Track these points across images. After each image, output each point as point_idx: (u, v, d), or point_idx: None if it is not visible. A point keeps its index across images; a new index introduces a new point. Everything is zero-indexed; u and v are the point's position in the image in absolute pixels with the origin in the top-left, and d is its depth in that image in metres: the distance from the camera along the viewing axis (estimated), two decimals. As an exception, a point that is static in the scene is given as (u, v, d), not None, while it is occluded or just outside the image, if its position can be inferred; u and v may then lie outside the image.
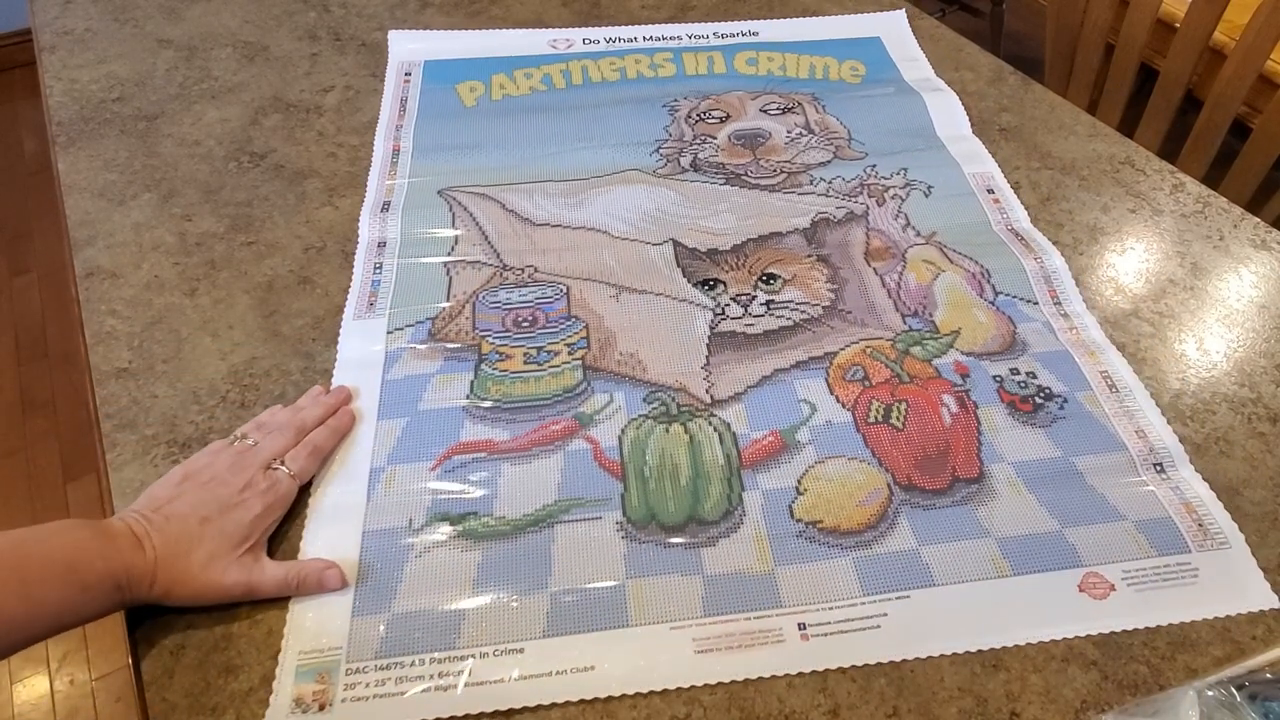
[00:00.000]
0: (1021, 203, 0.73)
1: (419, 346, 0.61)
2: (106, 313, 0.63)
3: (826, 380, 0.59)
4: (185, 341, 0.62)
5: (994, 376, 0.59)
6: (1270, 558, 0.51)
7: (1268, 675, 0.45)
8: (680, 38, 0.90)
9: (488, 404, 0.57)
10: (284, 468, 0.52)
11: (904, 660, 0.46)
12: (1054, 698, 0.45)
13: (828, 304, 0.64)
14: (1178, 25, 1.01)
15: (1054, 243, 0.69)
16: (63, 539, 0.43)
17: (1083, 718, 0.44)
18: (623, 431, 0.56)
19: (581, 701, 0.45)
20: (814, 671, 0.46)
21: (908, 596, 0.48)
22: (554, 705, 0.44)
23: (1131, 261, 0.69)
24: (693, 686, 0.45)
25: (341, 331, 0.62)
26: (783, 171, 0.75)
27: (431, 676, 0.45)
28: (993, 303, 0.64)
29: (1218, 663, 0.46)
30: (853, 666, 0.46)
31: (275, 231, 0.70)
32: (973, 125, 0.81)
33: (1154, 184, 0.75)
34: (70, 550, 0.43)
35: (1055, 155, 0.78)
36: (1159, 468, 0.54)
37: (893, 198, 0.73)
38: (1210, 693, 0.43)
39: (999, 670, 0.46)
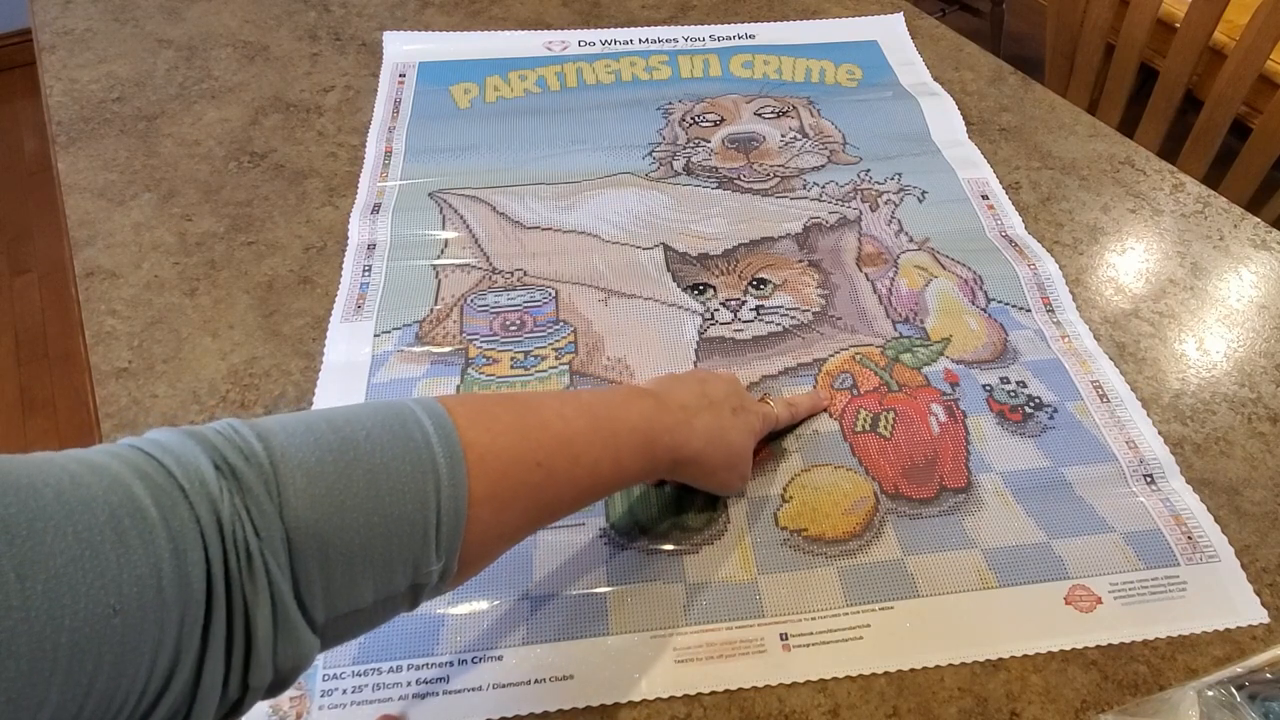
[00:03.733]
0: (1022, 202, 0.73)
1: (406, 350, 0.61)
2: (106, 313, 0.64)
3: (815, 387, 0.59)
4: (185, 341, 0.62)
5: (984, 385, 0.59)
6: (1270, 558, 0.50)
7: (1268, 675, 0.44)
8: (676, 40, 0.90)
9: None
10: (771, 405, 0.54)
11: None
12: (1054, 698, 0.45)
13: (818, 310, 0.63)
14: (1178, 25, 1.00)
15: (1054, 243, 0.69)
16: (637, 408, 0.44)
17: (1083, 718, 0.44)
18: (608, 437, 0.55)
19: (560, 712, 0.44)
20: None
21: (891, 608, 0.48)
22: (531, 715, 0.44)
23: (1131, 261, 0.68)
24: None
25: (329, 334, 0.62)
26: (776, 176, 0.74)
27: (410, 684, 0.45)
28: (985, 310, 0.64)
29: (1218, 663, 0.46)
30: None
31: (275, 231, 0.70)
32: (973, 125, 0.80)
33: (1154, 184, 0.75)
34: (645, 423, 0.43)
35: (1055, 155, 0.78)
36: (1149, 479, 0.54)
37: (886, 203, 0.72)
38: (1210, 693, 0.43)
39: (999, 670, 0.46)
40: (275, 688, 0.32)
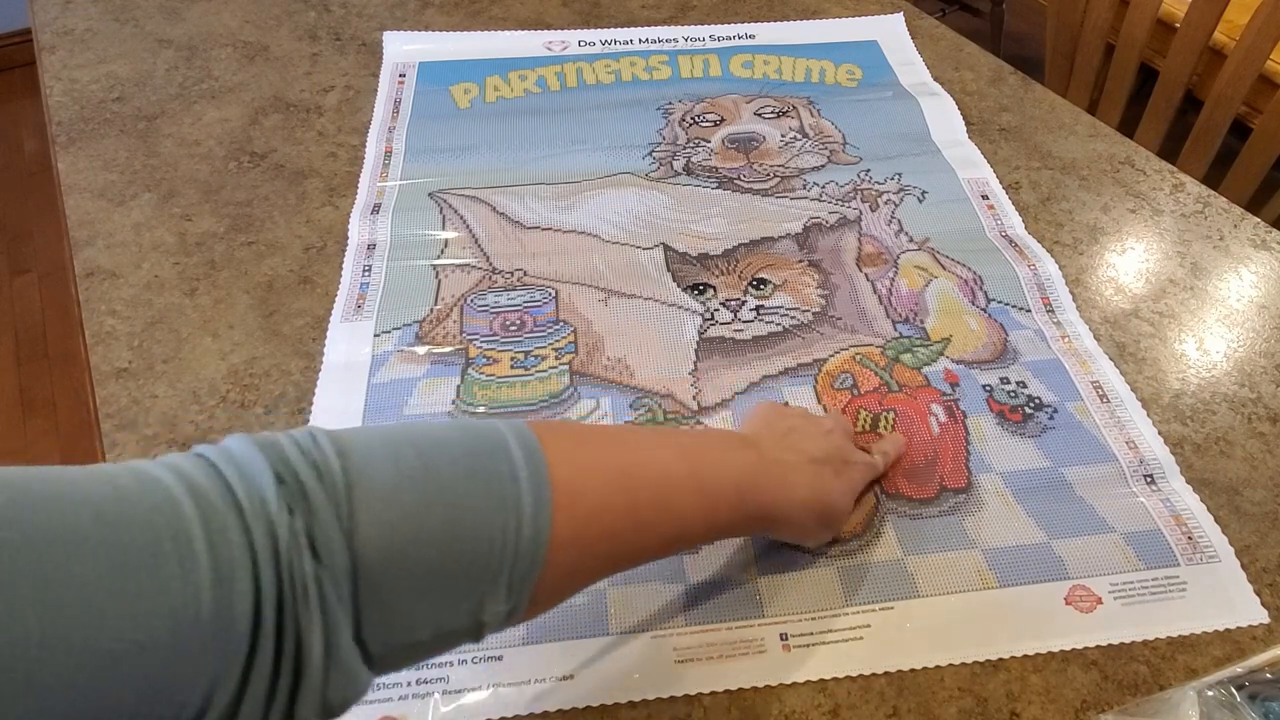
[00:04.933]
0: (1022, 202, 0.73)
1: (406, 350, 0.61)
2: (106, 313, 0.63)
3: (815, 387, 0.59)
4: (185, 341, 0.62)
5: (984, 385, 0.59)
6: (1270, 558, 0.50)
7: (1268, 675, 0.44)
8: (676, 40, 0.90)
9: (473, 410, 0.57)
10: (871, 458, 0.51)
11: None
12: (1054, 698, 0.45)
13: (818, 310, 0.63)
14: (1178, 25, 1.00)
15: (1054, 243, 0.69)
16: (737, 460, 0.42)
17: (1083, 718, 0.44)
18: (608, 437, 0.55)
19: (560, 712, 0.44)
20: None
21: (891, 608, 0.48)
22: (531, 715, 0.44)
23: (1131, 261, 0.68)
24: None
25: (329, 334, 0.62)
26: (776, 176, 0.74)
27: (410, 684, 0.45)
28: (985, 310, 0.64)
29: (1218, 663, 0.46)
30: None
31: (275, 231, 0.70)
32: (973, 125, 0.80)
33: (1154, 184, 0.75)
34: (741, 478, 0.42)
35: (1055, 155, 0.78)
36: (1149, 479, 0.54)
37: (886, 203, 0.72)
38: (1210, 693, 0.43)
39: (999, 670, 0.46)
40: (322, 717, 0.30)
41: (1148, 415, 0.57)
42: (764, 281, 0.65)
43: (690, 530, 0.40)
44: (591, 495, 0.35)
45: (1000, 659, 0.46)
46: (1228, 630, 0.47)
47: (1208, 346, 0.62)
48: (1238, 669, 0.45)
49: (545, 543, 0.33)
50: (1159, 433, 0.56)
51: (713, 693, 0.45)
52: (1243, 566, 0.50)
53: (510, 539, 0.32)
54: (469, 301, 0.64)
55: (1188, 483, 0.54)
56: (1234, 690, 0.43)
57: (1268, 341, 0.62)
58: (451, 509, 0.31)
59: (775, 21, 0.93)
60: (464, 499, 0.32)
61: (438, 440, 0.33)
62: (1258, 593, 0.49)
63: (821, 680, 0.45)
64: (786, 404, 0.55)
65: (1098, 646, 0.47)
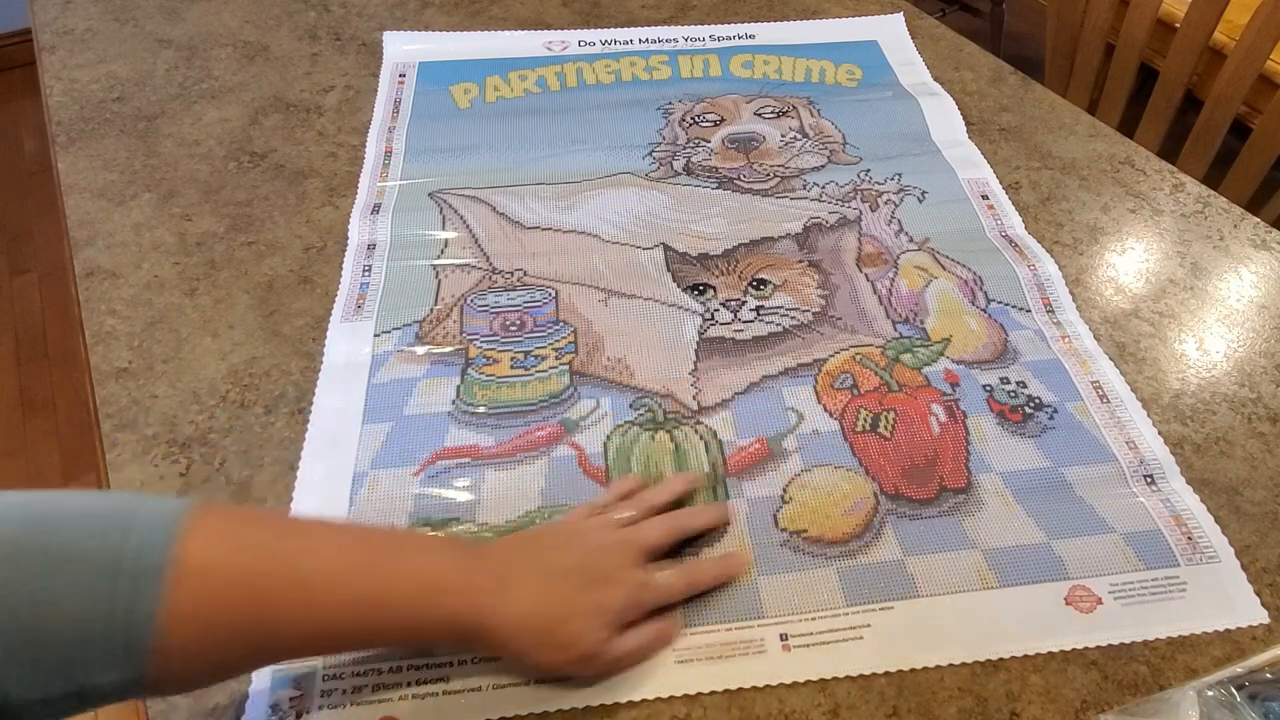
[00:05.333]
0: (1022, 202, 0.73)
1: (406, 350, 0.61)
2: (106, 313, 0.63)
3: (815, 388, 0.59)
4: (185, 341, 0.62)
5: (984, 385, 0.59)
6: (1270, 558, 0.50)
7: (1268, 675, 0.45)
8: (676, 40, 0.90)
9: (473, 409, 0.57)
10: (660, 576, 0.46)
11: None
12: (1054, 698, 0.45)
13: (818, 310, 0.63)
14: (1178, 25, 1.00)
15: (1054, 243, 0.69)
16: (429, 559, 0.40)
17: (1083, 718, 0.44)
18: (608, 438, 0.55)
19: (559, 711, 0.44)
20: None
21: (891, 608, 0.48)
22: (531, 715, 0.44)
23: (1131, 261, 0.68)
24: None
25: (329, 334, 0.62)
26: (776, 176, 0.74)
27: (409, 684, 0.45)
28: (985, 310, 0.64)
29: (1218, 663, 0.46)
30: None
31: (275, 231, 0.70)
32: (973, 125, 0.80)
33: (1154, 184, 0.75)
34: (431, 576, 0.40)
35: (1055, 155, 0.78)
36: (1149, 479, 0.54)
37: (886, 203, 0.72)
38: (1210, 693, 0.43)
39: (999, 670, 0.46)
40: None
41: (1148, 415, 0.57)
42: (764, 282, 0.65)
43: (339, 629, 0.38)
44: (223, 574, 0.34)
45: (1000, 659, 0.46)
46: (1228, 630, 0.47)
47: (1208, 346, 0.62)
48: (1238, 669, 0.45)
49: (150, 613, 0.32)
50: (1159, 432, 0.56)
51: (712, 693, 0.45)
52: (1243, 566, 0.50)
53: (103, 607, 0.31)
54: (469, 301, 0.64)
55: (1188, 483, 0.54)
56: (1234, 690, 0.43)
57: (1268, 341, 0.63)
58: (47, 570, 0.31)
59: (775, 21, 0.93)
60: (62, 563, 0.31)
61: (60, 504, 0.33)
62: (1258, 593, 0.49)
63: (822, 680, 0.45)
64: (597, 509, 0.49)
65: (1098, 646, 0.47)
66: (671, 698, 0.45)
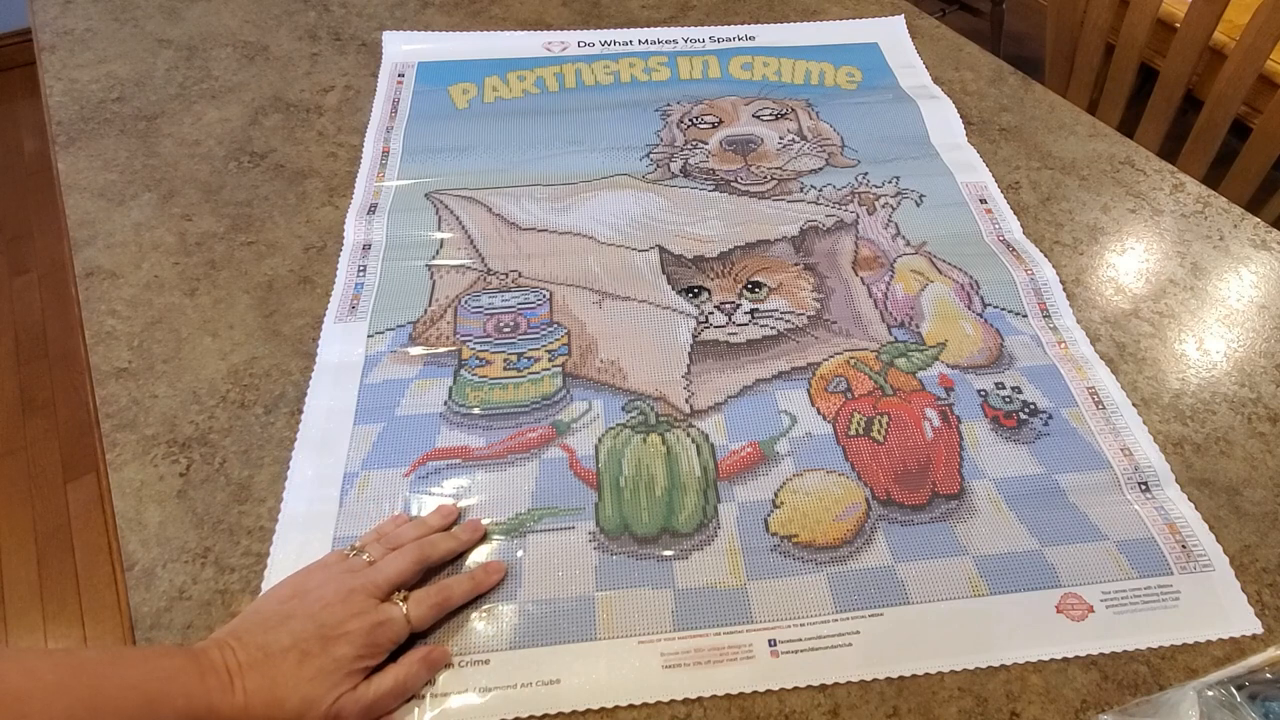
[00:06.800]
0: (1021, 202, 0.72)
1: (399, 350, 0.61)
2: (106, 313, 0.64)
3: (808, 391, 0.58)
4: (185, 341, 0.62)
5: (979, 390, 0.58)
6: (1270, 558, 0.50)
7: (1268, 675, 0.44)
8: (676, 41, 0.89)
9: (465, 411, 0.57)
10: (402, 606, 0.46)
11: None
12: (1054, 698, 0.45)
13: (813, 313, 0.63)
14: (1178, 25, 1.00)
15: (1054, 243, 0.69)
16: (147, 667, 0.40)
17: (1083, 718, 0.44)
18: (599, 441, 0.55)
19: (546, 716, 0.44)
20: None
21: (881, 615, 0.48)
22: (530, 715, 0.44)
23: (1131, 261, 0.68)
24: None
25: (322, 334, 0.62)
26: (773, 178, 0.74)
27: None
28: (981, 315, 0.63)
29: (1217, 663, 0.46)
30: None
31: (275, 231, 0.70)
32: (973, 125, 0.80)
33: (1154, 184, 0.75)
34: (153, 682, 0.39)
35: (1055, 155, 0.77)
36: (1144, 486, 0.53)
37: (883, 206, 0.72)
38: (1210, 693, 0.43)
39: (999, 670, 0.46)
40: None
41: (1144, 420, 0.57)
42: (759, 285, 0.65)
43: None
44: None
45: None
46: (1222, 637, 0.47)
47: (1208, 346, 0.62)
48: (1238, 669, 0.45)
49: None
50: (1158, 435, 0.56)
51: (713, 695, 0.45)
52: (1243, 567, 0.50)
53: None
54: (463, 303, 0.64)
55: (1187, 484, 0.54)
56: (1234, 690, 0.43)
57: (1268, 341, 0.62)
58: None
59: (775, 23, 0.93)
60: None
61: None
62: (1258, 593, 0.49)
63: (822, 681, 0.45)
64: (352, 550, 0.48)
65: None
66: (672, 700, 0.45)
